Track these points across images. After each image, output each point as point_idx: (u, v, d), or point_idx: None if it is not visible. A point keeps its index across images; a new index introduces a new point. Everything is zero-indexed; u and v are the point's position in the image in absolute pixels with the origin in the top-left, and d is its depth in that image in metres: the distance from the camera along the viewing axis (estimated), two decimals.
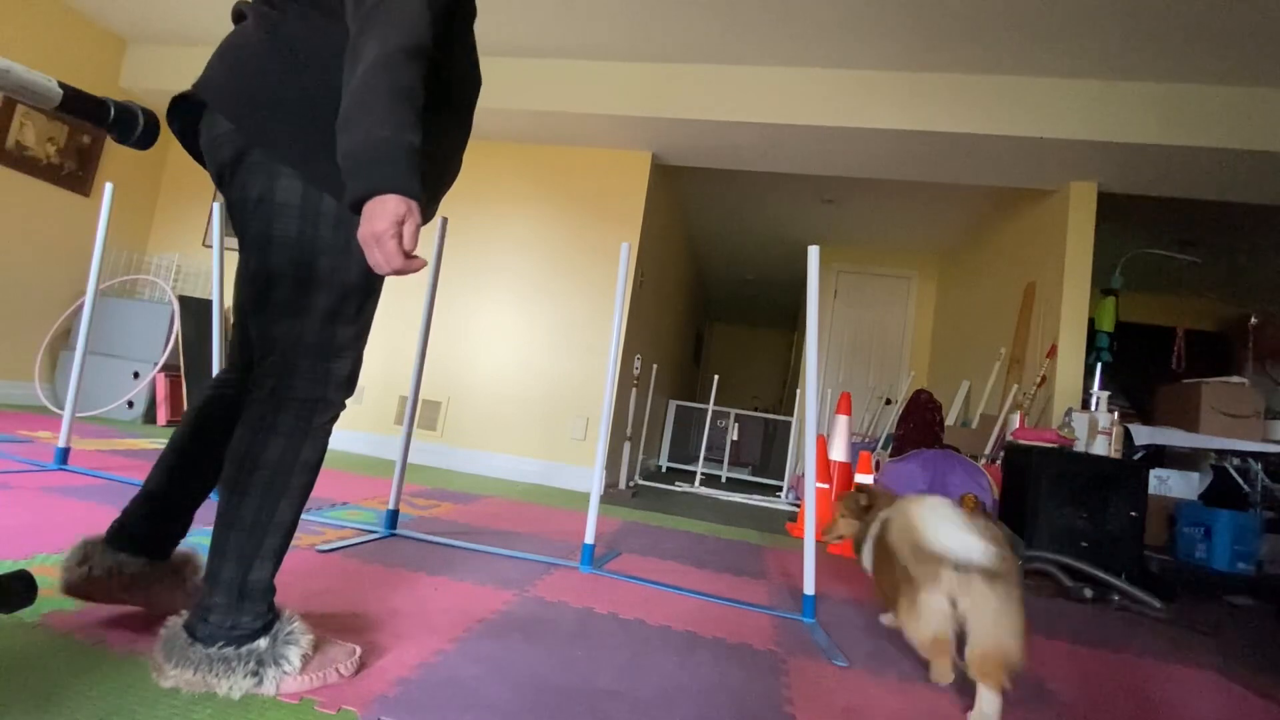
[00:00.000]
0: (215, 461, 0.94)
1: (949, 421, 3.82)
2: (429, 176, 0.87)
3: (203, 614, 0.80)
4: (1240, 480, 2.82)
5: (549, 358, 3.53)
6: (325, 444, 0.88)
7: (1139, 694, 1.30)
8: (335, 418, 0.88)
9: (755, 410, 6.73)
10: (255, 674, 0.79)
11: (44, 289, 3.49)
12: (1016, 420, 2.86)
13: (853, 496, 1.53)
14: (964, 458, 2.82)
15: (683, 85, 3.16)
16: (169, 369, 3.47)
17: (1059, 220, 3.21)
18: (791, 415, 4.93)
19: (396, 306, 3.71)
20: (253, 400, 0.84)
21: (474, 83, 1.00)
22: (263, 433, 0.82)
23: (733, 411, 5.44)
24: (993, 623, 1.00)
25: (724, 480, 5.05)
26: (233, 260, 3.37)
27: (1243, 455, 2.83)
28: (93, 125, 0.71)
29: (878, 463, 3.63)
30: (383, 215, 0.70)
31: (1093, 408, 2.62)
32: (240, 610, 0.80)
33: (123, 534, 0.94)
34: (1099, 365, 3.15)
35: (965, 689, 1.18)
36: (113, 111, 0.71)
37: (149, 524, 0.95)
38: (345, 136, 0.72)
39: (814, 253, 1.57)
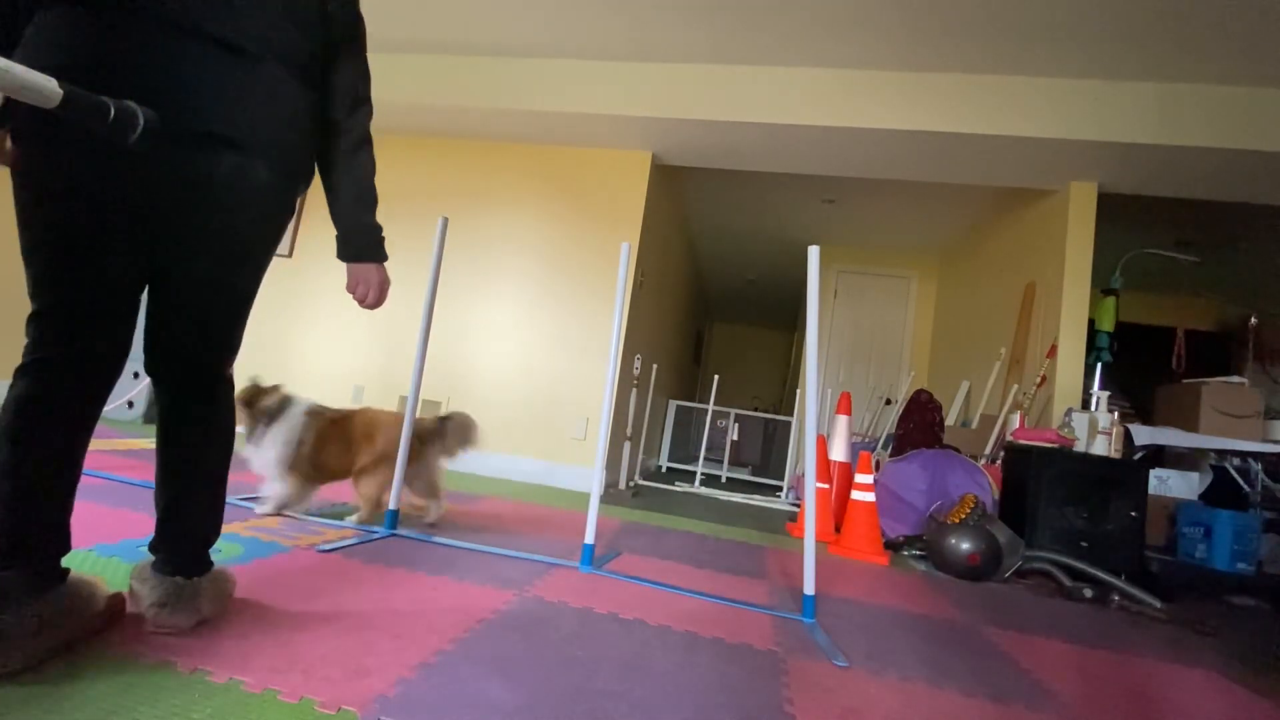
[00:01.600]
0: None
1: (949, 421, 3.82)
2: None
3: (182, 557, 0.99)
4: (1240, 480, 2.82)
5: (549, 357, 3.53)
6: None
7: (1139, 694, 1.30)
8: None
9: (755, 410, 6.72)
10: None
11: None
12: (1016, 420, 2.86)
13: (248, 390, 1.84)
14: (964, 458, 2.82)
15: (683, 85, 3.16)
16: None
17: (1059, 220, 3.21)
18: (791, 415, 4.93)
19: (396, 306, 3.71)
20: (205, 383, 1.02)
21: None
22: (219, 409, 1.04)
23: (733, 411, 5.44)
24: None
25: (724, 480, 5.05)
26: None
27: (1243, 455, 2.83)
28: (93, 126, 0.71)
29: (878, 462, 3.62)
30: (384, 274, 1.17)
31: (1093, 408, 2.62)
32: (204, 551, 1.03)
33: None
34: (1099, 365, 3.15)
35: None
36: (113, 112, 0.71)
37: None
38: (356, 217, 1.12)
39: (814, 253, 1.57)
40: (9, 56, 0.73)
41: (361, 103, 1.11)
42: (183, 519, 1.00)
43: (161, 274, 0.96)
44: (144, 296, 0.97)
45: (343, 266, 1.16)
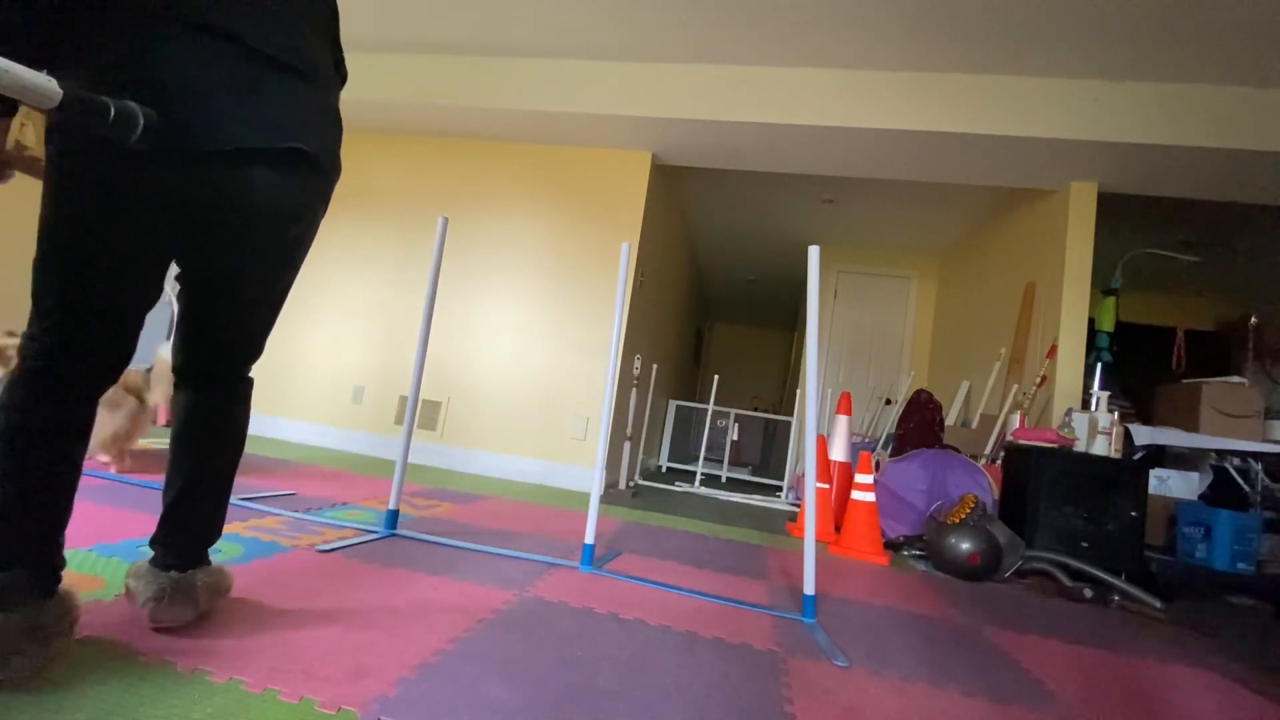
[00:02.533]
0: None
1: (949, 421, 3.82)
2: None
3: (181, 552, 0.99)
4: (1240, 480, 2.82)
5: (549, 358, 3.53)
6: None
7: (1139, 694, 1.30)
8: None
9: (755, 410, 6.72)
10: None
11: None
12: (1016, 420, 2.86)
13: None
14: (964, 458, 2.82)
15: (683, 85, 3.16)
16: None
17: (1059, 220, 3.21)
18: (791, 415, 4.93)
19: (396, 306, 3.71)
20: (232, 381, 1.05)
21: None
22: (241, 408, 1.06)
23: (733, 411, 5.44)
24: None
25: (724, 480, 5.05)
26: None
27: (1243, 455, 2.83)
28: (93, 126, 0.71)
29: (878, 463, 3.63)
30: None
31: (1093, 408, 2.62)
32: (204, 549, 1.04)
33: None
34: (1099, 365, 3.15)
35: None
36: (113, 112, 0.71)
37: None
38: None
39: (814, 253, 1.57)
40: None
41: None
42: (188, 514, 1.01)
43: (206, 282, 0.97)
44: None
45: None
